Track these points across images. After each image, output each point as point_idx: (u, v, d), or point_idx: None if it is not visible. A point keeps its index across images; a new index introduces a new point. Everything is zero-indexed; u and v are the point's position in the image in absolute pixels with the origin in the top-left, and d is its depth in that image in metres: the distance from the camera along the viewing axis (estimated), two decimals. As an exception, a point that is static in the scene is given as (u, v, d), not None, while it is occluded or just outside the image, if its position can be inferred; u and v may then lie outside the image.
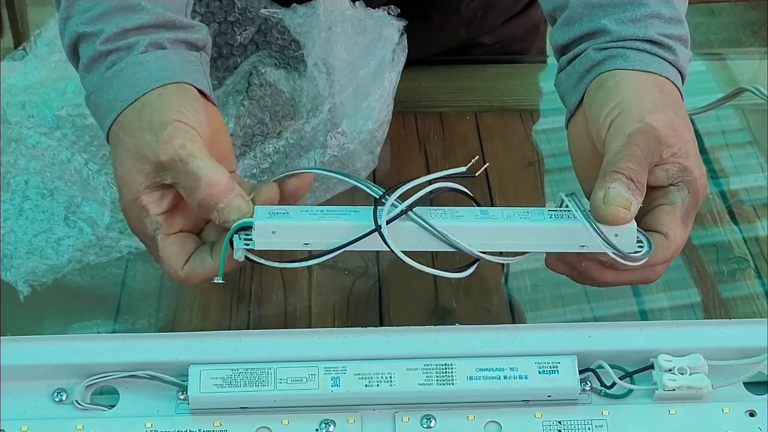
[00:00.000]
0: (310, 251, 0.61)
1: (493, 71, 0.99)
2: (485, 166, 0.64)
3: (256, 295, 0.76)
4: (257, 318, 0.74)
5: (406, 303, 0.76)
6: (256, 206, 0.61)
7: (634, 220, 0.60)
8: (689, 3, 0.71)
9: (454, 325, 0.70)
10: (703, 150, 0.90)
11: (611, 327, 0.64)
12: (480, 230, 0.61)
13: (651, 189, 0.62)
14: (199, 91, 0.65)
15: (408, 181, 0.61)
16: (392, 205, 0.60)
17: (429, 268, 0.61)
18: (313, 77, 0.80)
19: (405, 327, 0.64)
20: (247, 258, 0.61)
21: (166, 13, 0.67)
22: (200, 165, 0.60)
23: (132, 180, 0.62)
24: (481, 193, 0.85)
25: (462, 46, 1.05)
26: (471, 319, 0.74)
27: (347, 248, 0.60)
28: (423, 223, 0.60)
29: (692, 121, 0.91)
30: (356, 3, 0.82)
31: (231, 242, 0.61)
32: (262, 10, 0.86)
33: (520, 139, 0.91)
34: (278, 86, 0.87)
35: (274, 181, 0.64)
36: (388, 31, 0.82)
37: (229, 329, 0.72)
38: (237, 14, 0.88)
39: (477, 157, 0.64)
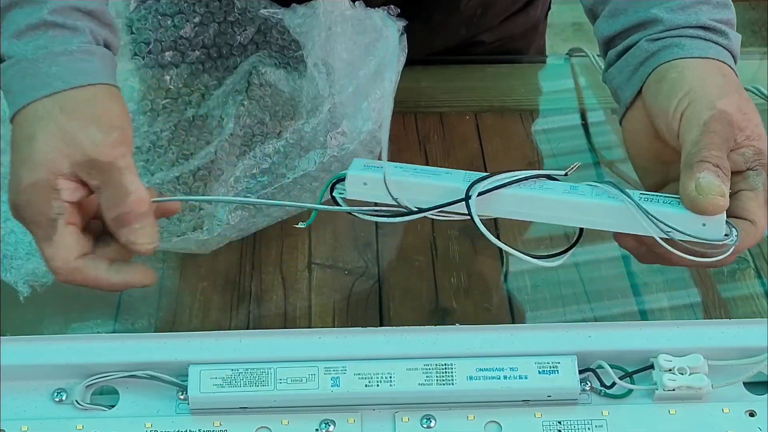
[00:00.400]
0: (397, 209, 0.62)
1: (493, 71, 0.99)
2: (576, 165, 0.64)
3: (256, 295, 0.76)
4: (257, 318, 0.74)
5: (406, 303, 0.76)
6: (355, 159, 0.64)
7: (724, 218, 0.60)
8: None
9: (454, 325, 0.70)
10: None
11: (611, 327, 0.64)
12: (567, 204, 0.61)
13: (731, 175, 0.62)
14: None
15: (507, 171, 0.62)
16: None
17: (516, 251, 0.61)
18: (313, 77, 0.80)
19: (405, 327, 0.64)
20: (334, 199, 0.63)
21: (102, 5, 0.66)
22: (133, 181, 0.61)
23: (55, 161, 0.60)
24: (481, 193, 0.84)
25: (461, 44, 1.05)
26: (471, 319, 0.74)
27: (436, 210, 0.61)
28: (513, 194, 0.61)
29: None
30: (356, 3, 0.82)
31: (331, 192, 0.63)
32: (262, 11, 0.86)
33: (520, 139, 0.91)
34: (278, 86, 0.87)
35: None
36: (388, 31, 0.82)
37: (229, 329, 0.72)
38: (237, 14, 0.88)
39: (578, 164, 0.64)
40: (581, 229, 0.64)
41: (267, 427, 0.61)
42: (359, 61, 0.81)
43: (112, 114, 0.62)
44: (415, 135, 0.91)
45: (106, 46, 0.66)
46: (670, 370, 0.62)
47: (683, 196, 0.60)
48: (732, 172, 0.62)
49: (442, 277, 0.77)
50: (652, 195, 0.61)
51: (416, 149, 0.89)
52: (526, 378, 0.61)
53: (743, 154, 0.63)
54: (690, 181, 0.59)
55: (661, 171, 0.67)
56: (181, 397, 0.62)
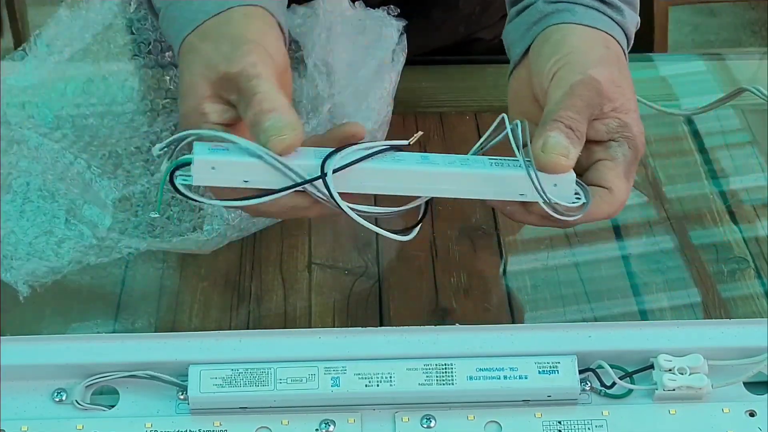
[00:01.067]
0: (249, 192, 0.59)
1: (493, 71, 0.99)
2: (419, 134, 0.63)
3: (256, 295, 0.76)
4: (257, 318, 0.74)
5: (406, 303, 0.76)
6: (195, 142, 0.59)
7: (573, 172, 0.60)
8: (691, 4, 0.72)
9: (454, 325, 0.70)
10: (703, 150, 0.90)
11: (611, 327, 0.64)
12: (420, 175, 0.60)
13: (591, 143, 0.63)
14: (279, 26, 0.66)
15: (356, 143, 0.60)
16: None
17: (373, 226, 0.60)
18: (313, 78, 0.80)
19: (405, 327, 0.64)
20: (180, 193, 0.58)
21: None
22: (262, 84, 0.59)
23: (197, 85, 0.61)
24: (481, 193, 0.85)
25: (461, 42, 1.05)
26: (471, 319, 0.74)
27: (286, 192, 0.58)
28: (370, 167, 0.59)
29: (692, 121, 0.92)
30: (356, 3, 0.82)
31: (171, 179, 0.58)
32: None
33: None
34: None
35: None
36: (388, 30, 0.82)
37: (229, 329, 0.72)
38: None
39: (421, 132, 0.63)
40: (427, 203, 0.63)
41: (267, 427, 0.61)
42: (359, 61, 0.81)
43: (246, 30, 0.62)
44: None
45: None
46: (670, 370, 0.62)
47: (532, 152, 0.60)
48: (594, 141, 0.63)
49: (442, 277, 0.77)
50: (502, 159, 0.61)
51: (416, 149, 0.89)
52: (526, 378, 0.61)
53: (607, 124, 0.63)
54: (540, 139, 0.60)
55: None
56: (181, 397, 0.62)
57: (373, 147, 0.60)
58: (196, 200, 0.59)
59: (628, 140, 0.63)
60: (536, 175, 0.59)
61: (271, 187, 0.58)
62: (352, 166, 0.59)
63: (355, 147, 0.59)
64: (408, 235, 0.63)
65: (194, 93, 0.61)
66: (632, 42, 0.69)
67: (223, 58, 0.61)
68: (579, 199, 0.60)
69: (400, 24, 0.82)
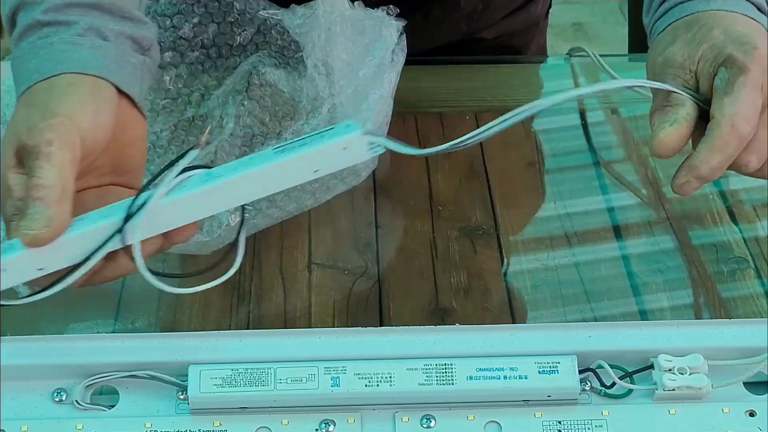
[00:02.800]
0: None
1: (493, 71, 0.99)
2: (208, 130, 0.61)
3: (256, 295, 0.76)
4: (257, 318, 0.74)
5: (406, 303, 0.76)
6: None
7: (359, 127, 0.57)
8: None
9: (454, 325, 0.70)
10: (703, 150, 0.89)
11: (611, 327, 0.64)
12: (217, 191, 0.57)
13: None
14: (128, 97, 0.62)
15: (148, 183, 0.57)
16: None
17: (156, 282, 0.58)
18: (312, 78, 0.80)
19: (405, 327, 0.64)
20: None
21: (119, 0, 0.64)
22: (44, 167, 0.56)
23: (6, 155, 0.58)
24: (481, 193, 0.85)
25: (462, 40, 1.05)
26: (471, 319, 0.74)
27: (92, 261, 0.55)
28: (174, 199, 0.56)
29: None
30: (355, 3, 0.82)
31: None
32: (261, 11, 0.86)
33: (520, 139, 0.91)
34: (278, 86, 0.87)
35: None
36: (387, 31, 0.82)
37: (229, 329, 0.72)
38: (236, 15, 0.88)
39: (207, 130, 0.62)
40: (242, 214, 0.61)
41: (267, 427, 0.61)
42: (358, 61, 0.81)
43: (60, 102, 0.59)
44: (415, 135, 0.91)
45: (125, 40, 0.64)
46: (670, 370, 0.62)
47: (716, 117, 0.60)
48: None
49: (442, 277, 0.77)
50: (284, 144, 0.57)
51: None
52: (526, 378, 0.61)
53: (703, 70, 0.63)
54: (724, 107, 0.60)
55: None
56: (181, 397, 0.62)
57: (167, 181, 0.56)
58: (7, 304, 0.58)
59: (723, 65, 0.62)
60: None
61: (68, 262, 0.56)
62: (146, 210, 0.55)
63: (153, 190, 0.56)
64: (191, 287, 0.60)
65: (4, 162, 0.58)
66: None
67: (25, 128, 0.58)
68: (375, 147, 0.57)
69: (400, 24, 0.82)
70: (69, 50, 0.62)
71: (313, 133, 0.57)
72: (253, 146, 0.81)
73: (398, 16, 0.82)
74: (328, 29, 0.81)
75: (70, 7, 0.63)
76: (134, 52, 0.65)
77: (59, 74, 0.60)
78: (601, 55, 0.94)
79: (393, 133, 0.89)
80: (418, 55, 1.03)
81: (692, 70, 0.64)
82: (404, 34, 0.83)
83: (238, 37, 0.88)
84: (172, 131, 0.84)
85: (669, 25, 0.67)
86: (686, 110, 0.62)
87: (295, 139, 0.57)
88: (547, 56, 1.14)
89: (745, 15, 0.66)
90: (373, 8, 0.82)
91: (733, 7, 0.66)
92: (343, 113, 0.80)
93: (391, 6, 0.83)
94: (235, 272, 0.77)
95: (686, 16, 0.66)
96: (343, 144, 0.56)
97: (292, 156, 0.57)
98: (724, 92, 0.61)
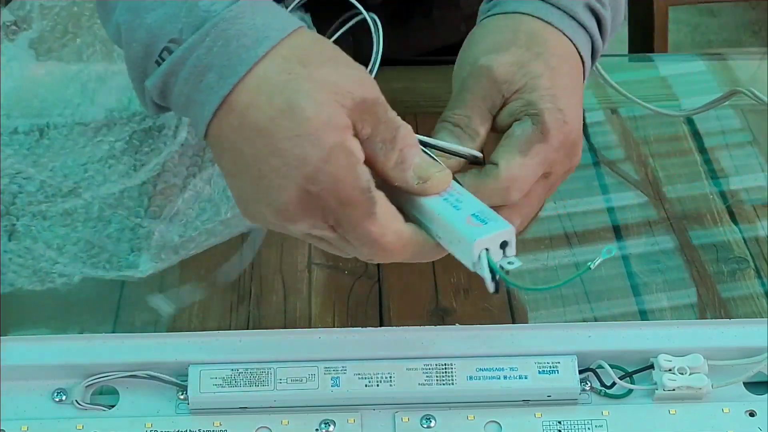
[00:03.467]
0: None
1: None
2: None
3: (256, 295, 0.76)
4: (257, 318, 0.74)
5: (406, 303, 0.76)
6: None
7: (476, 238, 0.52)
8: (691, 4, 0.71)
9: (454, 325, 0.70)
10: (703, 150, 0.90)
11: (611, 327, 0.64)
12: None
13: (500, 133, 0.57)
14: None
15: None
16: None
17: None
18: None
19: (405, 327, 0.64)
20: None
21: None
22: (397, 116, 0.52)
23: (335, 117, 0.49)
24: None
25: (462, 41, 1.05)
26: (471, 319, 0.74)
27: None
28: None
29: (692, 121, 0.91)
30: None
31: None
32: None
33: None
34: None
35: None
36: None
37: (229, 329, 0.72)
38: None
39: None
40: None
41: (267, 427, 0.61)
42: None
43: (339, 51, 0.53)
44: (415, 135, 0.91)
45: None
46: (670, 370, 0.62)
47: (499, 168, 0.55)
48: (502, 131, 0.57)
49: (442, 277, 0.77)
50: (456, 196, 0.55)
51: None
52: (526, 378, 0.61)
53: (510, 107, 0.56)
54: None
55: None
56: (181, 397, 0.62)
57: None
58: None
59: (530, 117, 0.55)
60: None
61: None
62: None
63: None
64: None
65: (333, 125, 0.49)
66: (607, 36, 0.63)
67: (354, 83, 0.50)
68: (509, 264, 0.53)
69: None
70: (273, 3, 0.53)
71: (482, 211, 0.53)
72: (205, 157, 0.80)
73: (398, 17, 0.82)
74: None
75: None
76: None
77: (299, 27, 0.52)
78: (600, 55, 0.94)
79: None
80: (418, 56, 1.03)
81: (505, 96, 0.57)
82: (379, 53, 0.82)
83: None
84: (126, 141, 0.83)
85: (494, 15, 0.61)
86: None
87: (471, 199, 0.54)
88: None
89: (571, 40, 0.60)
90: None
91: (558, 23, 0.60)
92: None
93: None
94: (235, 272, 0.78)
95: (513, 13, 0.60)
96: (459, 238, 0.53)
97: (439, 211, 0.54)
98: (518, 149, 0.55)
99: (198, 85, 0.50)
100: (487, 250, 0.52)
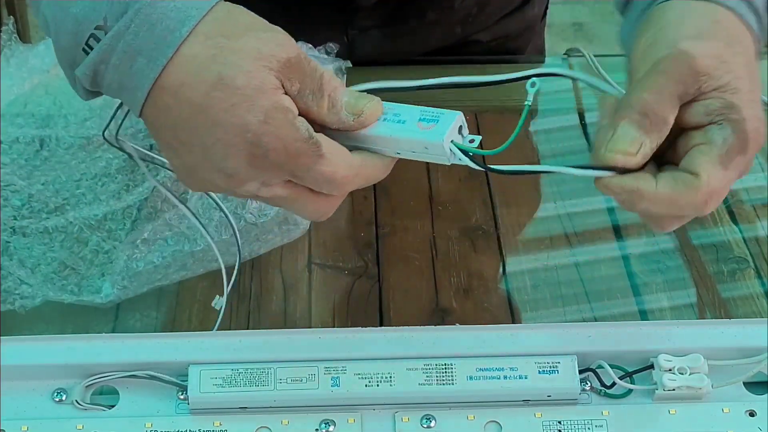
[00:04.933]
0: None
1: (493, 71, 0.99)
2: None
3: (256, 295, 0.76)
4: (257, 318, 0.74)
5: (406, 303, 0.76)
6: None
7: (444, 134, 0.56)
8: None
9: (454, 325, 0.70)
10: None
11: (611, 327, 0.64)
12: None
13: (690, 129, 0.55)
14: None
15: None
16: None
17: None
18: None
19: (405, 327, 0.64)
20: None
21: None
22: (318, 66, 0.53)
23: (266, 81, 0.52)
24: (481, 193, 0.85)
25: (458, 43, 1.05)
26: (471, 319, 0.74)
27: None
28: None
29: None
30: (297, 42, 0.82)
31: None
32: None
33: (520, 138, 0.91)
34: None
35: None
36: (335, 66, 0.81)
37: (229, 329, 0.72)
38: None
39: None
40: None
41: (267, 427, 0.61)
42: None
43: (255, 17, 0.54)
44: (415, 135, 0.91)
45: None
46: (670, 370, 0.62)
47: (595, 144, 0.54)
48: (693, 126, 0.54)
49: (442, 277, 0.77)
50: (398, 111, 0.58)
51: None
52: (526, 378, 0.61)
53: (707, 105, 0.54)
54: (609, 130, 0.53)
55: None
56: (181, 397, 0.62)
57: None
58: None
59: (732, 123, 0.53)
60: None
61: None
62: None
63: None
64: None
65: (265, 89, 0.52)
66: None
67: (277, 45, 0.53)
68: (473, 142, 0.58)
69: (342, 64, 0.81)
70: None
71: (425, 113, 0.58)
72: None
73: (392, 19, 0.81)
74: None
75: None
76: None
77: (214, 6, 0.53)
78: (600, 55, 0.94)
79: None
80: (418, 56, 1.03)
81: (703, 90, 0.54)
82: (345, 74, 0.82)
83: None
84: (124, 158, 0.82)
85: None
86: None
87: (409, 108, 0.58)
88: (546, 57, 1.14)
89: (757, 42, 0.58)
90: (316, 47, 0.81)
91: (752, 22, 0.58)
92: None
93: (330, 44, 0.82)
94: (236, 272, 0.78)
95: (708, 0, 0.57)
96: (425, 144, 0.56)
97: (389, 133, 0.56)
98: (720, 161, 0.53)
99: (128, 70, 0.53)
100: (452, 141, 0.56)
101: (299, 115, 0.53)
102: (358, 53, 1.01)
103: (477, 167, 0.57)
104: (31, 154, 0.83)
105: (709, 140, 0.54)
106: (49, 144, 0.83)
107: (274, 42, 0.53)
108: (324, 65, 0.78)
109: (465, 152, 0.57)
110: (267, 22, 0.55)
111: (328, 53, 0.82)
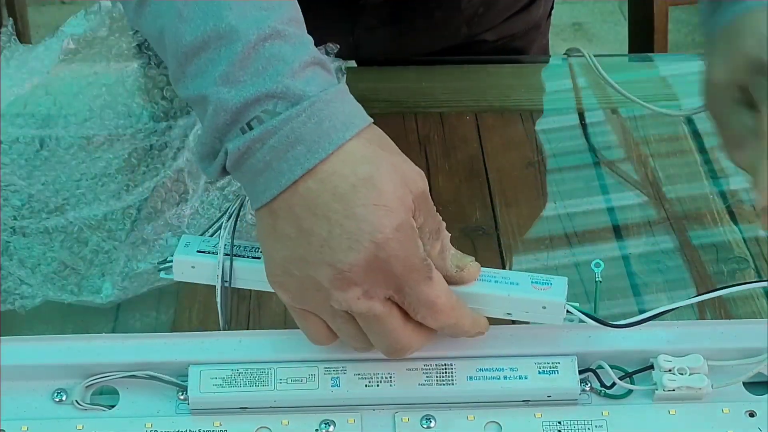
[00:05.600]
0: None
1: (494, 71, 0.99)
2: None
3: (256, 295, 0.76)
4: (257, 318, 0.74)
5: (406, 303, 0.76)
6: (184, 235, 0.62)
7: (564, 291, 0.60)
8: (691, 4, 0.71)
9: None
10: (703, 150, 0.90)
11: (611, 327, 0.64)
12: None
13: None
14: None
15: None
16: None
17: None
18: None
19: (405, 327, 0.64)
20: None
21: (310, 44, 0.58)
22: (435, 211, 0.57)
23: (407, 198, 0.55)
24: (481, 193, 0.85)
25: (464, 43, 1.06)
26: (471, 319, 0.74)
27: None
28: None
29: (692, 121, 0.92)
30: None
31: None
32: None
33: (520, 139, 0.91)
34: None
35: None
36: (333, 66, 0.80)
37: (229, 329, 0.72)
38: None
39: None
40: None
41: (267, 427, 0.61)
42: None
43: (395, 149, 0.58)
44: (415, 135, 0.91)
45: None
46: (669, 370, 0.62)
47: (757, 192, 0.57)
48: None
49: (442, 277, 0.77)
50: (493, 275, 0.61)
51: (416, 149, 0.89)
52: (526, 378, 0.61)
53: None
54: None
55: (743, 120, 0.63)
56: (181, 397, 0.62)
57: None
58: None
59: None
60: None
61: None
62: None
63: None
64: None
65: (405, 204, 0.55)
66: None
67: (418, 175, 0.56)
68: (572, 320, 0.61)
69: (340, 63, 0.81)
70: (348, 101, 0.57)
71: (536, 278, 0.61)
72: (199, 186, 0.78)
73: (399, 18, 0.81)
74: None
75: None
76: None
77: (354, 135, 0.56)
78: (600, 55, 0.94)
79: (393, 133, 0.89)
80: (418, 56, 1.03)
81: None
82: (344, 74, 0.82)
83: None
84: (124, 159, 0.82)
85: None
86: None
87: (517, 274, 0.62)
88: (550, 56, 1.14)
89: None
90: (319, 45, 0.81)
91: None
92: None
93: (330, 44, 0.82)
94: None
95: None
96: (544, 303, 0.60)
97: (506, 292, 0.60)
98: None
99: (284, 155, 0.54)
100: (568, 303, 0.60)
101: None
102: (363, 52, 1.01)
103: (597, 324, 0.61)
104: (31, 154, 0.83)
105: None
106: (49, 144, 0.83)
107: (417, 171, 0.56)
108: None
109: (586, 313, 0.61)
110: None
111: (328, 53, 0.82)
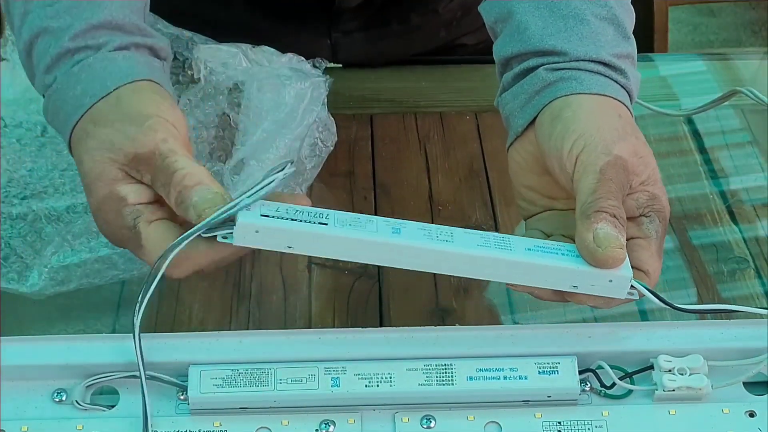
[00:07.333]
0: None
1: (493, 71, 0.99)
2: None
3: (256, 295, 0.76)
4: (257, 318, 0.74)
5: (406, 303, 0.76)
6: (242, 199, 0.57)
7: (629, 266, 0.58)
8: (691, 4, 0.71)
9: (454, 325, 0.70)
10: (703, 150, 0.90)
11: (611, 327, 0.64)
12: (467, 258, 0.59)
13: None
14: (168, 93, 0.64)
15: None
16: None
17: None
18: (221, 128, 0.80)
19: (405, 327, 0.64)
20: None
21: (131, 15, 0.65)
22: (178, 160, 0.58)
23: (106, 171, 0.60)
24: (481, 193, 0.85)
25: (442, 47, 1.05)
26: (471, 319, 0.74)
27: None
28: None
29: (692, 121, 0.92)
30: (287, 54, 0.81)
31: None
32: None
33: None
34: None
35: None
36: (313, 81, 0.80)
37: (229, 329, 0.72)
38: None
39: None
40: None
41: (267, 428, 0.61)
42: (266, 114, 0.78)
43: (141, 105, 0.61)
44: (415, 135, 0.91)
45: (144, 50, 0.66)
46: (670, 370, 0.62)
47: (581, 247, 0.58)
48: (627, 218, 0.60)
49: (442, 277, 0.77)
50: (542, 245, 0.60)
51: (416, 149, 0.89)
52: (526, 378, 0.61)
53: (637, 199, 0.60)
54: (588, 233, 0.57)
55: (544, 204, 0.65)
56: (181, 397, 0.62)
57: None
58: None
59: (659, 213, 0.61)
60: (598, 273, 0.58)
61: (314, 253, 0.58)
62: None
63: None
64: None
65: (103, 179, 0.60)
66: (635, 100, 0.67)
67: (128, 139, 0.59)
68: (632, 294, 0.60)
69: (321, 79, 0.81)
70: (110, 66, 0.63)
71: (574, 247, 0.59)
72: None
73: (375, 22, 0.79)
74: (242, 82, 0.79)
75: (96, 29, 0.64)
76: (155, 59, 0.67)
77: (116, 88, 0.62)
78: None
79: (393, 133, 0.89)
80: (417, 56, 1.03)
81: (633, 187, 0.61)
82: (328, 90, 0.82)
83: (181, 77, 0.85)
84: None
85: (581, 95, 0.63)
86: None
87: (553, 244, 0.60)
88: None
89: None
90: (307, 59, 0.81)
91: (630, 107, 0.66)
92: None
93: (319, 59, 0.82)
94: (236, 272, 0.78)
95: (599, 95, 0.63)
96: (611, 276, 0.58)
97: (552, 262, 0.59)
98: (658, 252, 0.60)
99: (56, 115, 0.64)
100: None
101: (150, 203, 0.60)
102: (341, 56, 1.01)
103: (662, 304, 0.60)
104: (30, 140, 0.83)
105: (645, 234, 0.60)
106: (49, 131, 0.83)
107: (129, 137, 0.59)
108: (306, 78, 0.78)
109: (652, 291, 0.59)
110: (161, 106, 0.61)
111: (316, 67, 0.81)
